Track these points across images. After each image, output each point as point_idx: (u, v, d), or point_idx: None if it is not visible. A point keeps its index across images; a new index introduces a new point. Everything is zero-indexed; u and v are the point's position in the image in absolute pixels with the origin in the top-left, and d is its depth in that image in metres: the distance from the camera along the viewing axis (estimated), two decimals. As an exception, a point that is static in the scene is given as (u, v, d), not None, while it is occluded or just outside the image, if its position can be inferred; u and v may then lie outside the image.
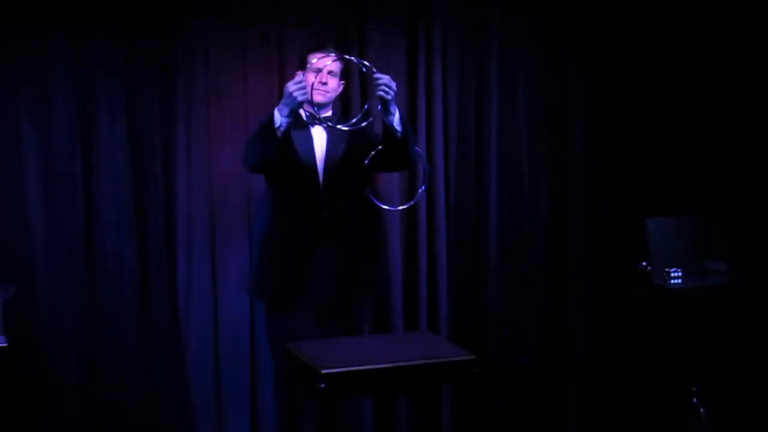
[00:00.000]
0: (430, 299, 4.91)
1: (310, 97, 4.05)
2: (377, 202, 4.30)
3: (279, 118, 4.02)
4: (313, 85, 4.15)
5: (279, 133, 4.03)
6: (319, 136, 4.23)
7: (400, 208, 4.65)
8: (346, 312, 4.26)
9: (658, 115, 5.02)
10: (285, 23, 4.67)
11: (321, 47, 4.27)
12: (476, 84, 4.92)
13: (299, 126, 4.22)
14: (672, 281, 4.52)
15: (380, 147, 4.17)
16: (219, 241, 4.68)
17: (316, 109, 4.18)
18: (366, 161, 4.19)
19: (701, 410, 4.60)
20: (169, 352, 4.65)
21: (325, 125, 4.21)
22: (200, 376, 4.70)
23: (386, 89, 3.98)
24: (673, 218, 4.63)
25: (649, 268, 4.58)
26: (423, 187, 4.57)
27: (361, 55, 4.72)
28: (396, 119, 4.06)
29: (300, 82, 4.00)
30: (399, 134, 4.08)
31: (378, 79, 3.99)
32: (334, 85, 4.26)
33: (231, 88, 4.64)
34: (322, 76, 4.19)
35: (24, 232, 4.46)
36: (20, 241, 4.46)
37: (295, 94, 3.98)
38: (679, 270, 4.52)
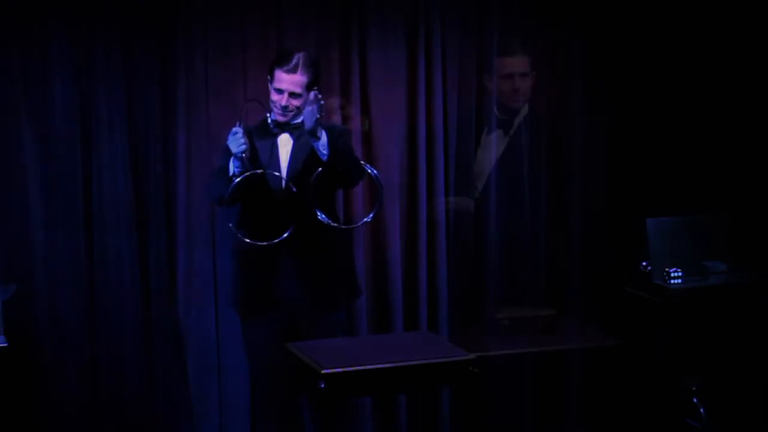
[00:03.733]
0: (430, 299, 4.90)
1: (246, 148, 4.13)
2: (325, 219, 4.20)
3: (232, 168, 4.14)
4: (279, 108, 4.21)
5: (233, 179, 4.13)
6: (285, 144, 4.22)
7: (345, 227, 4.52)
8: (315, 320, 4.22)
9: (658, 115, 5.02)
10: (285, 23, 4.67)
11: (286, 59, 4.21)
12: (476, 84, 4.92)
13: (267, 134, 4.22)
14: (672, 281, 4.51)
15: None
16: (219, 241, 4.67)
17: (275, 115, 4.19)
18: (312, 178, 4.17)
19: (701, 410, 4.59)
20: (169, 352, 4.65)
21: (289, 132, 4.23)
22: (200, 376, 4.69)
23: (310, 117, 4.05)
24: (673, 218, 4.63)
25: (649, 268, 4.58)
26: (373, 212, 4.51)
27: (361, 55, 4.72)
28: (322, 143, 4.09)
29: (234, 133, 4.08)
30: (324, 157, 4.10)
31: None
32: (300, 103, 4.21)
33: (231, 88, 4.63)
34: (281, 99, 4.18)
35: (24, 232, 4.46)
36: (20, 241, 4.46)
37: (234, 151, 4.10)
38: (679, 270, 4.52)
